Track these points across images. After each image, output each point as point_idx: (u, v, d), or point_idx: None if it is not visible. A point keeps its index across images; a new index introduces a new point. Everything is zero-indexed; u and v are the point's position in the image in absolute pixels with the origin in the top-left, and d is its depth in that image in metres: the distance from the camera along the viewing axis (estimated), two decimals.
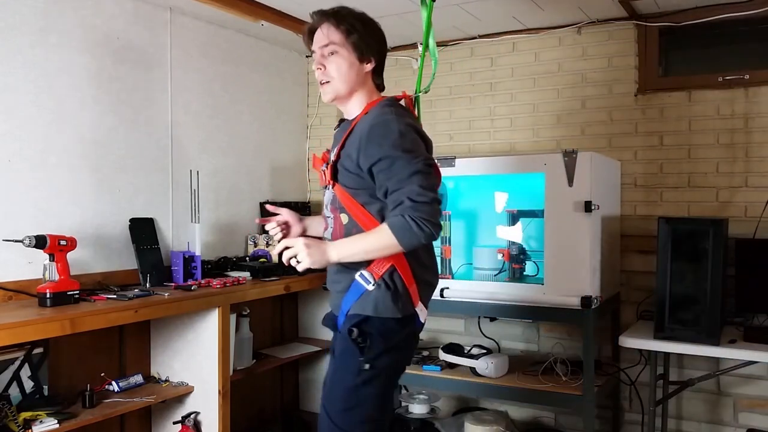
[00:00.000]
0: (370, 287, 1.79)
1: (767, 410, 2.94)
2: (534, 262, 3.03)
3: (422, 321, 1.89)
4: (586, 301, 2.59)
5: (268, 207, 2.10)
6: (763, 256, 2.78)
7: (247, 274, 3.17)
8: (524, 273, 3.02)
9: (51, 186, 2.58)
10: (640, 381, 3.10)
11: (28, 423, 2.21)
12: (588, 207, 2.59)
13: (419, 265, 1.84)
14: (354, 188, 1.83)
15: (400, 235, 1.70)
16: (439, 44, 3.61)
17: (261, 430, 3.57)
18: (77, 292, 2.40)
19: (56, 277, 2.37)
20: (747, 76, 3.00)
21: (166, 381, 2.86)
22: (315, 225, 2.11)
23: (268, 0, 2.99)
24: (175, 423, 2.83)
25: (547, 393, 2.75)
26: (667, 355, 2.99)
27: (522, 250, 3.02)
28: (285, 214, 2.07)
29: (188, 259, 2.95)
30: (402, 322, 1.81)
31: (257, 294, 3.03)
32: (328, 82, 1.86)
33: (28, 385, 2.38)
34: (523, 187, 3.13)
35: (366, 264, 1.81)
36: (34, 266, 2.47)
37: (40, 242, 2.34)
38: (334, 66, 1.84)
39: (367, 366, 1.78)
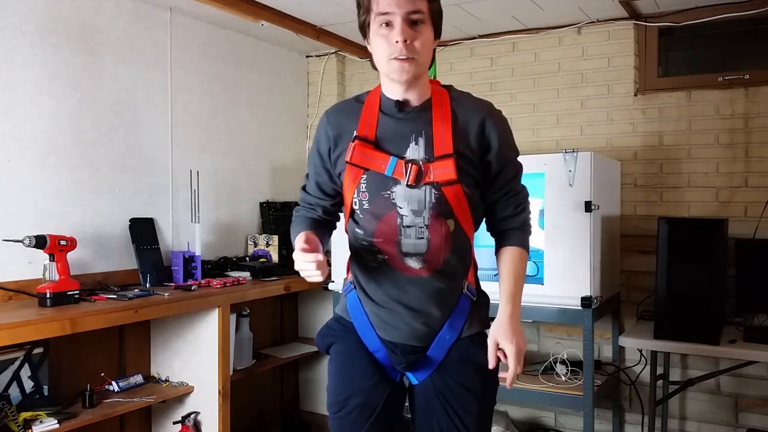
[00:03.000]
0: (474, 298, 1.64)
1: (767, 410, 2.94)
2: (534, 261, 3.03)
3: None
4: (586, 301, 2.59)
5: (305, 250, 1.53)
6: (763, 256, 2.78)
7: (247, 274, 3.17)
8: None
9: (51, 186, 2.58)
10: (640, 381, 3.10)
11: (28, 423, 2.21)
12: (588, 207, 2.59)
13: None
14: (473, 188, 1.59)
15: (529, 243, 1.68)
16: (440, 44, 3.61)
17: (261, 430, 3.57)
18: (77, 292, 2.40)
19: (56, 277, 2.37)
20: (747, 76, 3.00)
21: (166, 381, 2.86)
22: (324, 241, 1.70)
23: (268, 0, 2.99)
24: (175, 423, 2.83)
25: (547, 393, 2.75)
26: (667, 355, 2.99)
27: None
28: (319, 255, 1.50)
29: (188, 259, 2.95)
30: None
31: (257, 294, 3.03)
32: (413, 58, 1.50)
33: (28, 385, 2.38)
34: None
35: (467, 273, 1.65)
36: (34, 266, 2.47)
37: (40, 242, 2.34)
38: (422, 40, 1.50)
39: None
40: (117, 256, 2.83)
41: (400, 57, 1.49)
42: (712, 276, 2.50)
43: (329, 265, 3.48)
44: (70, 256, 2.46)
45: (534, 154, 3.31)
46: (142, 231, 2.90)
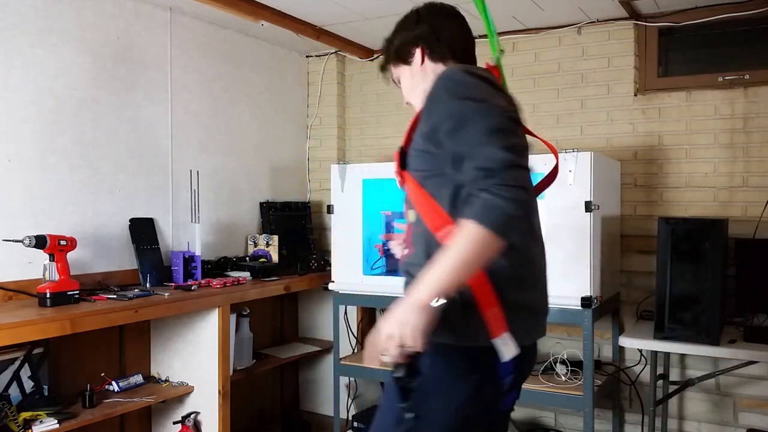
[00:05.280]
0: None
1: (767, 410, 2.94)
2: None
3: (507, 359, 1.33)
4: (586, 301, 2.59)
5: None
6: (763, 256, 2.78)
7: (247, 274, 3.17)
8: None
9: (51, 186, 2.58)
10: (640, 381, 3.10)
11: (28, 423, 2.21)
12: (588, 207, 2.59)
13: (507, 279, 1.32)
14: (423, 170, 1.43)
15: (481, 215, 1.21)
16: None
17: (261, 430, 3.57)
18: (77, 292, 2.40)
19: (56, 277, 2.37)
20: (747, 76, 3.00)
21: (166, 381, 2.86)
22: None
23: (268, 0, 2.99)
24: (175, 423, 2.83)
25: (547, 393, 2.74)
26: (667, 355, 2.99)
27: None
28: None
29: (188, 259, 2.95)
30: (468, 358, 1.32)
31: (257, 294, 3.03)
32: (408, 102, 1.70)
33: (28, 385, 2.38)
34: None
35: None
36: (34, 266, 2.46)
37: (40, 242, 2.34)
38: (403, 87, 1.70)
39: (409, 416, 1.33)
40: (117, 256, 2.83)
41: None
42: (712, 276, 2.50)
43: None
44: (70, 256, 2.46)
45: (534, 154, 3.31)
46: (142, 231, 2.90)
